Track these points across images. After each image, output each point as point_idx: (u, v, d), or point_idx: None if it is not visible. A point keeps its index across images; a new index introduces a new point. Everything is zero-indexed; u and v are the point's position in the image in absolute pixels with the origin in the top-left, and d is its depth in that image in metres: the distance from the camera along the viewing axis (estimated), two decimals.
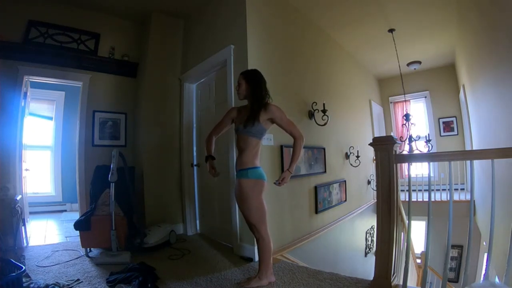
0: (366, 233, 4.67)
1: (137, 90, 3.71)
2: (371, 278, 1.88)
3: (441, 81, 5.98)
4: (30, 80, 3.29)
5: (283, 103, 2.94)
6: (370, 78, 6.17)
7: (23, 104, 3.20)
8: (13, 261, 1.86)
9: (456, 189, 5.09)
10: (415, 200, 4.98)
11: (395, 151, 1.83)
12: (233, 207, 2.63)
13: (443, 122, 6.04)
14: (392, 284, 1.78)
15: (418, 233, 5.76)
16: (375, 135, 5.52)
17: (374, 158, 2.03)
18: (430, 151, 4.46)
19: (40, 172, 4.71)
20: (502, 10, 2.02)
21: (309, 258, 2.93)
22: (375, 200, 3.55)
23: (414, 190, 4.91)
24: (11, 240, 2.39)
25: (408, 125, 4.34)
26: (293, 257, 2.66)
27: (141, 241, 2.65)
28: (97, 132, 3.52)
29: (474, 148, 4.12)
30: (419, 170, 5.21)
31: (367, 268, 4.28)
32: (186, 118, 3.48)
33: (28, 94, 3.42)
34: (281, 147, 2.81)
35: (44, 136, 4.86)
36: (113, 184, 2.52)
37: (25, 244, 2.74)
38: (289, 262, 2.43)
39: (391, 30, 4.07)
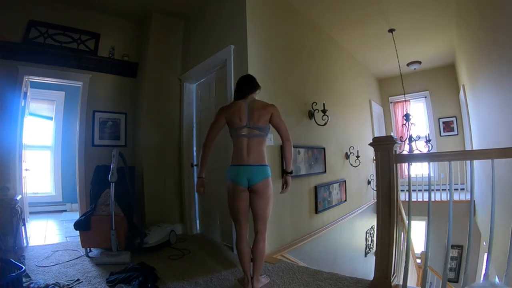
0: (366, 233, 4.67)
1: (137, 90, 3.71)
2: (371, 278, 1.88)
3: (441, 81, 5.98)
4: (30, 80, 3.29)
5: (283, 102, 2.95)
6: (370, 78, 6.17)
7: (23, 104, 3.20)
8: (13, 261, 1.86)
9: (456, 189, 5.08)
10: (415, 200, 4.98)
11: (395, 151, 1.83)
12: None
13: (443, 122, 6.04)
14: (392, 284, 1.78)
15: (418, 233, 5.76)
16: (375, 135, 5.52)
17: (374, 158, 2.03)
18: (430, 151, 4.46)
19: (40, 172, 4.71)
20: (502, 11, 2.02)
21: (309, 258, 2.93)
22: (375, 200, 3.54)
23: (414, 190, 4.91)
24: (11, 240, 2.39)
25: (408, 125, 4.33)
26: (293, 257, 2.66)
27: (141, 241, 2.65)
28: (97, 132, 3.53)
29: (474, 148, 4.11)
30: (419, 170, 5.20)
31: (367, 268, 4.28)
32: (186, 118, 3.48)
33: (28, 94, 3.42)
34: (282, 147, 2.80)
35: (44, 136, 4.85)
36: (113, 184, 2.52)
37: (25, 244, 2.74)
38: (289, 262, 2.43)
39: (391, 30, 4.07)
